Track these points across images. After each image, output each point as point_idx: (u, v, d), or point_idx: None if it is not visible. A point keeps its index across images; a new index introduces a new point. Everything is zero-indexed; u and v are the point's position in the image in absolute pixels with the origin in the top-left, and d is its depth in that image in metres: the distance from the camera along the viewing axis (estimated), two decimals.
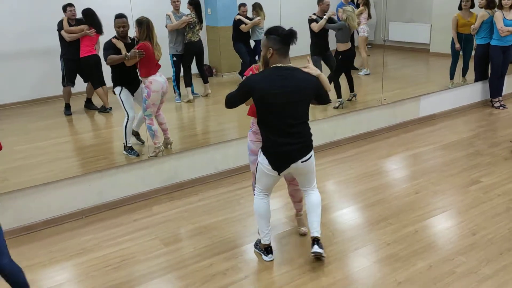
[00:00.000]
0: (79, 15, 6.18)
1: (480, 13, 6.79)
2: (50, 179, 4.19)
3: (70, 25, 6.14)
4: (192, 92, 6.96)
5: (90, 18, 6.09)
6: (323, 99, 3.23)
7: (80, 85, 6.42)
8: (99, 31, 6.13)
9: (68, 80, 6.24)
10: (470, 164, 5.02)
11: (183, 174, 4.76)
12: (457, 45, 7.14)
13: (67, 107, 6.31)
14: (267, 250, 3.43)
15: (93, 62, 6.19)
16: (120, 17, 4.70)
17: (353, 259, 3.40)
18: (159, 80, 4.75)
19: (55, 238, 3.93)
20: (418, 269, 3.25)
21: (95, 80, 6.28)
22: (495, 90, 7.00)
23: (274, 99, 3.00)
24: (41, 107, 6.58)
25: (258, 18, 7.22)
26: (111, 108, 6.32)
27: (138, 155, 4.78)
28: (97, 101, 6.47)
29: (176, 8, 6.60)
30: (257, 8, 7.32)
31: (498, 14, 6.44)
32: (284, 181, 3.71)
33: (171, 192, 4.66)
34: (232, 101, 3.16)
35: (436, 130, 6.23)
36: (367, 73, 8.15)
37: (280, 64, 3.05)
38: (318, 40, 6.43)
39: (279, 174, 3.20)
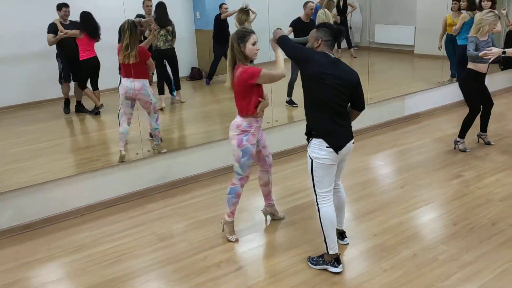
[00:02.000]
0: (72, 17, 6.11)
1: (461, 15, 7.02)
2: (48, 179, 4.29)
3: (63, 26, 6.04)
4: (172, 94, 6.99)
5: (86, 21, 6.03)
6: (358, 99, 3.26)
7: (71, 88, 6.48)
8: (94, 35, 6.08)
9: (65, 79, 6.30)
10: (453, 160, 5.23)
11: (176, 173, 4.89)
12: (439, 44, 7.37)
13: (67, 102, 6.37)
14: (338, 260, 3.26)
15: (95, 64, 6.23)
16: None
17: (342, 249, 3.54)
18: (125, 85, 4.79)
19: (54, 235, 4.04)
20: (403, 257, 3.43)
21: (94, 83, 6.34)
22: None
23: (328, 79, 3.00)
24: (32, 111, 6.60)
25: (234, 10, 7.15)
26: (102, 105, 6.38)
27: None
28: (88, 105, 6.51)
29: (148, 13, 6.24)
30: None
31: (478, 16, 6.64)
32: (277, 178, 3.86)
33: (165, 190, 4.79)
34: (290, 46, 3.16)
35: (420, 128, 6.44)
36: None
37: (327, 52, 3.09)
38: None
39: (337, 154, 3.08)
